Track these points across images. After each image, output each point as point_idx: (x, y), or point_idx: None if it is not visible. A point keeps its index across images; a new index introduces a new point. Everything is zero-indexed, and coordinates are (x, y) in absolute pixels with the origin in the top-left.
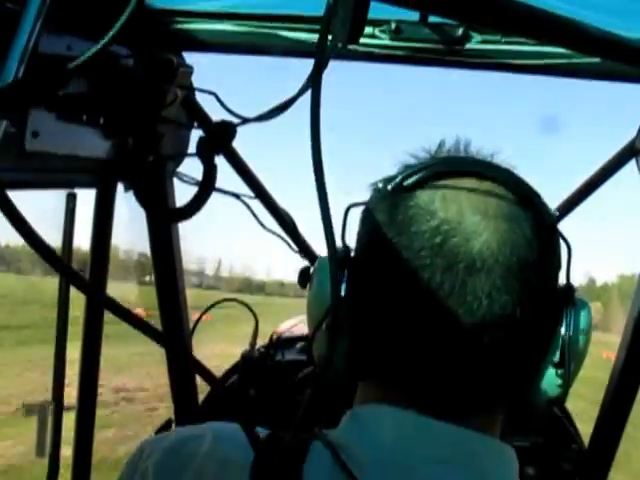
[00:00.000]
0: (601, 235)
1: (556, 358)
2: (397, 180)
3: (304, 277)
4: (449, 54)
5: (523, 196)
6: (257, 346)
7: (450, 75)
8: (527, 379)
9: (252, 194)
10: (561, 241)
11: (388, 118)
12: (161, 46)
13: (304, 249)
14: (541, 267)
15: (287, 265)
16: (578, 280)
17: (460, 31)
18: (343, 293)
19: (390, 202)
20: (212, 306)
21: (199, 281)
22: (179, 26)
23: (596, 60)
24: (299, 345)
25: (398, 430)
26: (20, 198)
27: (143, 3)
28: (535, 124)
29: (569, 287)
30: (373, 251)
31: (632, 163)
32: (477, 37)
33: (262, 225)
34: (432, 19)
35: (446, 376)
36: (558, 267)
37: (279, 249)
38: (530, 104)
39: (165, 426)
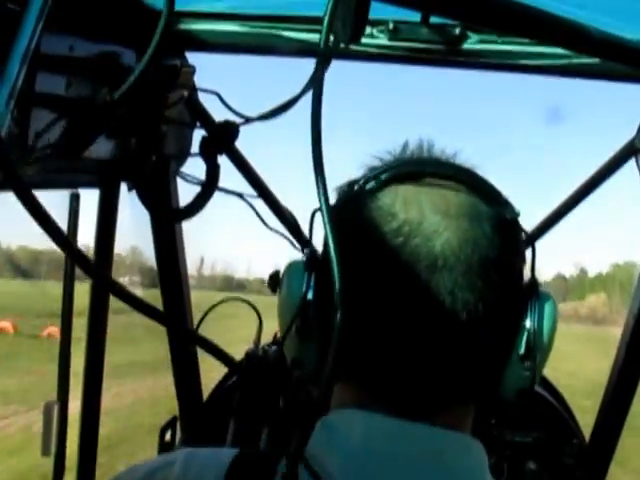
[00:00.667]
0: (591, 224)
1: (522, 351)
2: (360, 183)
3: (274, 281)
4: (447, 54)
5: (484, 195)
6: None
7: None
8: (494, 373)
9: (255, 193)
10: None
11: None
12: (163, 46)
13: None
14: (503, 264)
15: (268, 262)
16: (568, 271)
17: (458, 31)
18: (311, 296)
19: (353, 205)
20: (215, 306)
21: None
22: (181, 26)
23: (595, 60)
24: None
25: (366, 434)
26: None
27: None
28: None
29: (533, 282)
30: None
31: (632, 162)
32: (475, 37)
33: (265, 224)
34: (431, 19)
35: (413, 373)
36: (521, 262)
37: (260, 246)
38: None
39: (170, 423)
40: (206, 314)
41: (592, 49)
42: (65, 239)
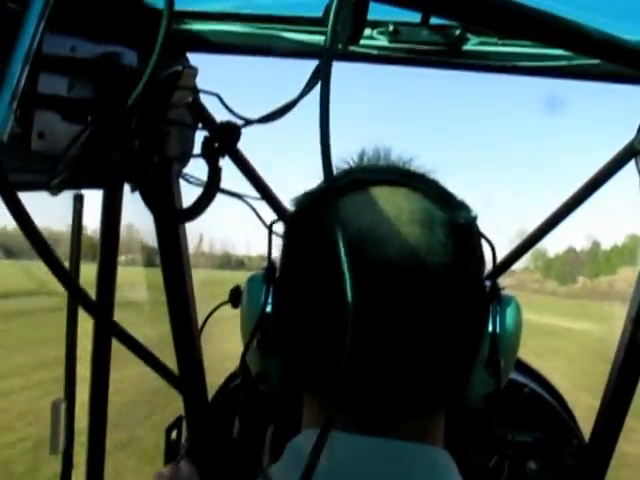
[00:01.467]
0: (601, 195)
1: (485, 355)
2: (315, 193)
3: (235, 296)
4: (447, 56)
5: (438, 200)
6: None
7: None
8: (457, 379)
9: (257, 195)
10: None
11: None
12: (166, 48)
13: None
14: (457, 269)
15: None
16: (580, 244)
17: (458, 33)
18: (270, 309)
19: (308, 214)
20: (215, 309)
21: None
22: (183, 27)
23: (595, 61)
24: None
25: (331, 454)
26: None
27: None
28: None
29: (493, 285)
30: (292, 264)
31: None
32: (475, 39)
33: (266, 226)
34: (431, 21)
35: (372, 383)
36: (479, 266)
37: (258, 223)
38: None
39: (175, 423)
40: (210, 315)
41: (592, 50)
42: (68, 278)
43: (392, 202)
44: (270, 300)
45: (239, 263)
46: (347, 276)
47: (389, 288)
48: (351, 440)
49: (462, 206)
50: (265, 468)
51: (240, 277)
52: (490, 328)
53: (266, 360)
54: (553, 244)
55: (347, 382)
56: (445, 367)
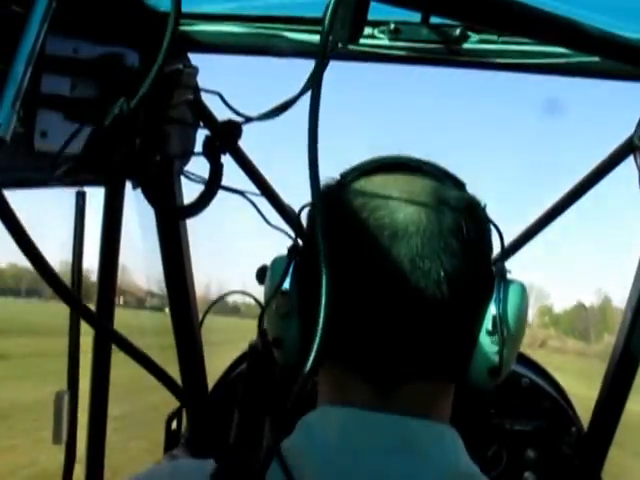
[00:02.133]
0: (612, 248)
1: (490, 328)
2: (336, 178)
3: (261, 274)
4: (447, 54)
5: (448, 183)
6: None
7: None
8: (459, 344)
9: (258, 192)
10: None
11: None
12: (168, 49)
13: None
14: (464, 236)
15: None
16: (589, 300)
17: (458, 31)
18: (291, 282)
19: (329, 197)
20: (217, 301)
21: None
22: (184, 28)
23: (595, 59)
24: None
25: (342, 429)
26: None
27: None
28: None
29: (500, 264)
30: (311, 243)
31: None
32: (475, 37)
33: (268, 222)
34: (431, 20)
35: (380, 342)
36: (486, 246)
37: (253, 264)
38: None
39: (176, 413)
40: (207, 311)
41: (592, 47)
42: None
43: (407, 181)
44: (291, 276)
45: (234, 309)
46: (356, 237)
47: (395, 248)
48: (360, 415)
49: (471, 194)
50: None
51: (234, 324)
52: (494, 303)
53: (285, 327)
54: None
55: (359, 342)
56: (448, 331)
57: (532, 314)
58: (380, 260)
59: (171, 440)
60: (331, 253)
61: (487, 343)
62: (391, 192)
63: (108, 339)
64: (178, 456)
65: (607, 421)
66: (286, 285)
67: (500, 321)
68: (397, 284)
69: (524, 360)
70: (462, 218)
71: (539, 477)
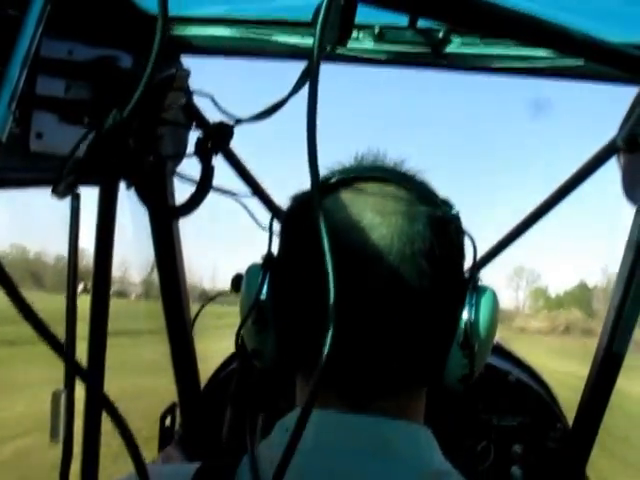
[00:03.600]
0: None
1: (461, 339)
2: (308, 190)
3: (236, 282)
4: (431, 57)
5: (421, 196)
6: None
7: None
8: (433, 358)
9: (249, 192)
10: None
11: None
12: (160, 52)
13: None
14: (435, 256)
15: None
16: (595, 280)
17: (442, 35)
18: (267, 293)
19: (300, 210)
20: (210, 300)
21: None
22: (177, 31)
23: (578, 62)
24: None
25: (318, 430)
26: None
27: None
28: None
29: (471, 274)
30: (285, 252)
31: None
32: (458, 40)
33: (258, 223)
34: (416, 24)
35: (354, 359)
36: (458, 257)
37: (225, 251)
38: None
39: (169, 410)
40: (202, 308)
41: (575, 50)
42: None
43: (378, 196)
44: (267, 286)
45: (203, 295)
46: (329, 263)
47: (368, 270)
48: (335, 417)
49: (444, 203)
50: (251, 444)
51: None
52: (466, 314)
53: (261, 338)
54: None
55: (332, 360)
56: (422, 346)
57: (522, 298)
58: (352, 281)
59: (165, 436)
60: (303, 272)
61: (458, 354)
62: (363, 211)
63: (103, 336)
64: (172, 454)
65: (591, 417)
66: (262, 296)
67: (471, 332)
68: (369, 304)
69: (511, 357)
70: (433, 235)
71: (525, 471)
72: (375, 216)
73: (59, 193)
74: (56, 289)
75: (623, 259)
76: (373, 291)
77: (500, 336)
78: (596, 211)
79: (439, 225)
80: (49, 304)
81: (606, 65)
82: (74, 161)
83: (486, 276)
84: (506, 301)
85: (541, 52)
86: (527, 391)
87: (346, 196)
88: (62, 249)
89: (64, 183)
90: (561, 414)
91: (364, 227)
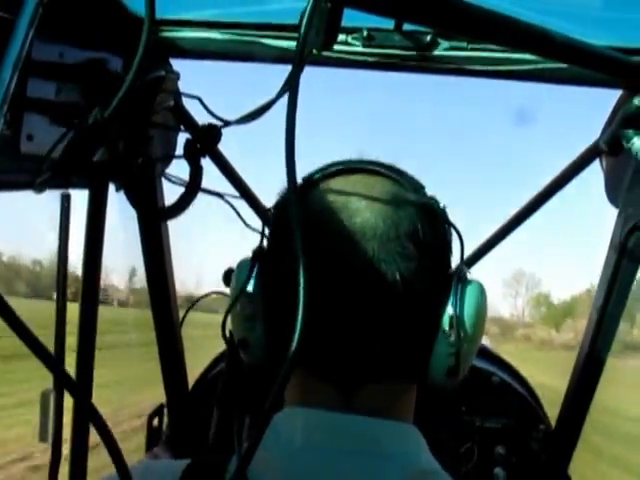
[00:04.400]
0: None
1: (447, 329)
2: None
3: (228, 276)
4: (419, 60)
5: (407, 187)
6: None
7: None
8: (417, 345)
9: (237, 194)
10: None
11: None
12: (149, 55)
13: None
14: (420, 240)
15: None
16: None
17: (429, 38)
18: (256, 284)
19: (287, 204)
20: (198, 300)
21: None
22: (166, 34)
23: (562, 65)
24: None
25: (306, 429)
26: None
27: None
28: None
29: (458, 266)
30: (274, 245)
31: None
32: (445, 44)
33: (246, 224)
34: (404, 27)
35: (339, 344)
36: (444, 247)
37: (210, 260)
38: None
39: (157, 411)
40: (189, 310)
41: (558, 54)
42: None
43: (365, 183)
44: (256, 278)
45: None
46: (314, 242)
47: (353, 252)
48: (324, 416)
49: (430, 196)
50: (241, 445)
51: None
52: (451, 304)
53: (250, 330)
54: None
55: (317, 345)
56: (406, 332)
57: (521, 305)
58: (337, 264)
59: (152, 438)
60: (290, 263)
61: (444, 344)
62: (349, 196)
63: (92, 337)
64: (159, 454)
65: (574, 419)
66: (250, 287)
67: (457, 321)
68: (354, 288)
69: (494, 358)
70: (419, 221)
71: (509, 473)
72: (360, 201)
73: (37, 189)
74: (34, 295)
75: (606, 261)
76: (357, 273)
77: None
78: (600, 212)
79: (425, 212)
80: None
81: (589, 68)
82: (60, 160)
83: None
84: (506, 309)
85: (525, 55)
86: (510, 392)
87: (334, 185)
88: (39, 253)
89: (41, 179)
90: (544, 415)
91: (349, 211)
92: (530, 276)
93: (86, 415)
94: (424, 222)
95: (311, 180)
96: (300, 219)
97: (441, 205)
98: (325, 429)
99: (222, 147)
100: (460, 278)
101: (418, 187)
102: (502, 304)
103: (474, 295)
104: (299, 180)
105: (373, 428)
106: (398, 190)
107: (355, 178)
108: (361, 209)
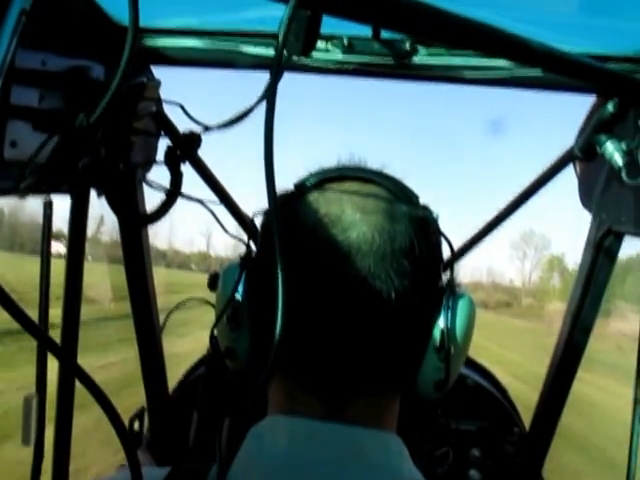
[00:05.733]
0: None
1: (437, 343)
2: (288, 191)
3: (213, 280)
4: (398, 67)
5: (402, 197)
6: None
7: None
8: (408, 361)
9: (216, 200)
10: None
11: None
12: (131, 63)
13: None
14: (415, 256)
15: (193, 233)
16: None
17: (408, 45)
18: (243, 291)
19: (284, 209)
20: (177, 307)
21: None
22: (147, 42)
23: (538, 71)
24: None
25: (291, 438)
26: None
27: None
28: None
29: (449, 279)
30: (264, 251)
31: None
32: (423, 51)
33: (225, 230)
34: (383, 34)
35: (329, 359)
36: (437, 259)
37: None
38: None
39: (138, 414)
40: (169, 315)
41: (535, 61)
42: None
43: (359, 194)
44: (243, 285)
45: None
46: (309, 256)
47: (348, 267)
48: (308, 425)
49: (424, 206)
50: (221, 452)
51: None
52: (442, 318)
53: (235, 337)
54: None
55: (308, 358)
56: (397, 348)
57: (529, 267)
58: (332, 278)
59: (134, 440)
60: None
61: (434, 358)
62: (345, 208)
63: (74, 340)
64: (140, 458)
65: (547, 422)
66: (238, 295)
67: (447, 336)
68: (348, 303)
69: (469, 362)
70: (414, 236)
71: (483, 475)
72: (355, 213)
73: (20, 195)
74: None
75: (581, 265)
76: (352, 288)
77: None
78: None
79: (420, 225)
80: None
81: (564, 75)
82: (42, 166)
83: (487, 247)
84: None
85: (503, 62)
86: (485, 395)
87: (327, 194)
88: None
89: (24, 185)
90: (518, 418)
91: (344, 224)
92: (540, 237)
93: (72, 375)
94: (419, 236)
95: (303, 188)
96: (281, 227)
97: (434, 215)
98: (308, 439)
99: (202, 153)
100: (452, 292)
101: (411, 196)
102: (508, 268)
103: (465, 310)
104: (290, 187)
105: (357, 438)
106: (392, 203)
107: (348, 187)
108: (356, 222)
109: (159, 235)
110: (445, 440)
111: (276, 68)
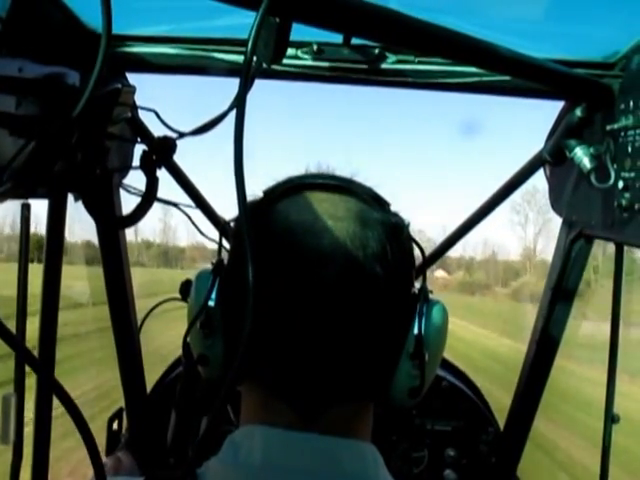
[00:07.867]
0: None
1: (411, 350)
2: (258, 198)
3: (186, 288)
4: (367, 73)
5: (373, 203)
6: None
7: None
8: (382, 367)
9: (192, 203)
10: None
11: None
12: (106, 69)
13: None
14: (387, 261)
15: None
16: None
17: (377, 52)
18: (215, 298)
19: (254, 217)
20: (154, 307)
21: None
22: (122, 49)
23: (506, 78)
24: None
25: (266, 448)
26: None
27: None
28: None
29: (422, 286)
30: (235, 259)
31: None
32: (392, 57)
33: (201, 233)
34: (352, 41)
35: (301, 366)
36: (409, 266)
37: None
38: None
39: (117, 414)
40: (147, 315)
41: (503, 67)
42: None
43: (330, 201)
44: (216, 292)
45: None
46: (282, 263)
47: (320, 273)
48: (283, 435)
49: (395, 213)
50: (193, 459)
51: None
52: (417, 325)
53: (208, 345)
54: None
55: (279, 367)
56: (371, 355)
57: (532, 236)
58: (304, 285)
59: (112, 441)
60: (256, 275)
61: (408, 365)
62: (316, 215)
63: (52, 342)
64: (120, 457)
65: (521, 421)
66: (210, 302)
67: (422, 344)
68: (320, 310)
69: (444, 363)
70: (387, 242)
71: (459, 474)
72: (327, 220)
73: None
74: None
75: (551, 268)
76: (324, 295)
77: None
78: None
79: (392, 231)
80: None
81: (532, 80)
82: (20, 170)
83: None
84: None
85: (471, 68)
86: (460, 396)
87: (299, 201)
88: None
89: (2, 190)
90: (493, 418)
91: (316, 231)
92: (544, 193)
93: (49, 390)
94: (391, 242)
95: (273, 195)
96: (252, 234)
97: (405, 222)
98: (284, 448)
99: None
100: (425, 299)
101: (382, 203)
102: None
103: (438, 317)
104: (260, 194)
105: (332, 447)
106: (364, 209)
107: (319, 195)
108: (328, 228)
109: None
110: (421, 440)
111: (245, 75)
